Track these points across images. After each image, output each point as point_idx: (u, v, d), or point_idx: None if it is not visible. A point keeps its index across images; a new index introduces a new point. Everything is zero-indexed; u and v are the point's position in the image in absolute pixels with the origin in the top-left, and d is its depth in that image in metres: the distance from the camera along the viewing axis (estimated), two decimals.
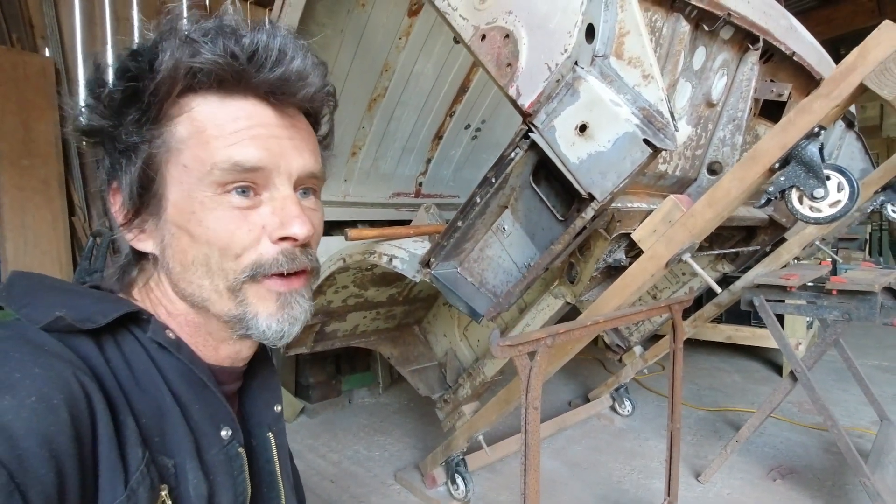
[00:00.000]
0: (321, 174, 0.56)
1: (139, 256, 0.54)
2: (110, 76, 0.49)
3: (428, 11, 1.89)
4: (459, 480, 1.79)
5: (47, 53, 3.46)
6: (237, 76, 0.48)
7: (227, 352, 0.57)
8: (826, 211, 0.90)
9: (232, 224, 0.49)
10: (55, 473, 0.38)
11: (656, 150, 0.69)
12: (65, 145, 3.19)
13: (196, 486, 0.49)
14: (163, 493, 0.47)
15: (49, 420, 0.38)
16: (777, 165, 0.92)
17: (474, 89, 2.35)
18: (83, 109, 0.50)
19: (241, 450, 0.56)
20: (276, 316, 0.52)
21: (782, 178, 0.91)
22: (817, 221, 0.91)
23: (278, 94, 0.50)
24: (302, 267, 0.52)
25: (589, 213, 0.78)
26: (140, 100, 0.48)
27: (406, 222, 2.24)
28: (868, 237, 5.22)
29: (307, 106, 0.55)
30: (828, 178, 0.88)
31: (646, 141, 0.69)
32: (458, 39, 0.91)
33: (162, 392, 0.49)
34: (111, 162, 0.51)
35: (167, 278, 0.53)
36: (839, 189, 0.88)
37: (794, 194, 0.91)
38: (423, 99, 2.25)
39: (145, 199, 0.50)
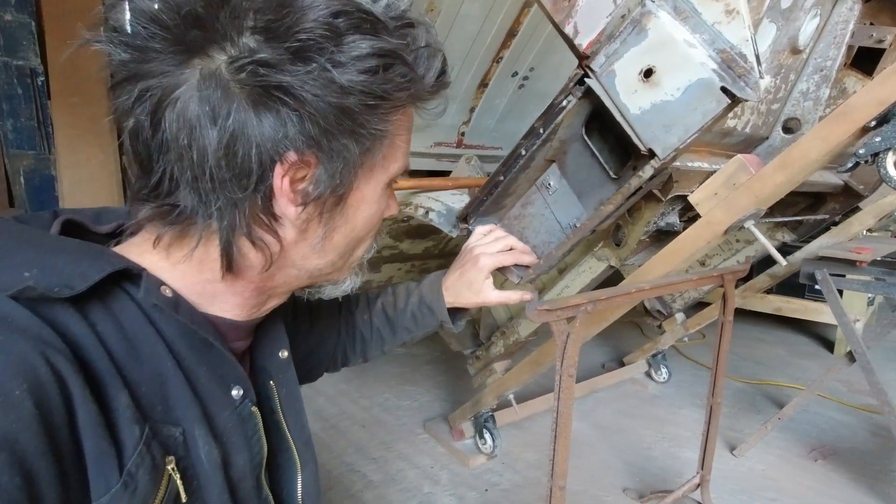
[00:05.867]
0: None
1: (189, 215, 0.45)
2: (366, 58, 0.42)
3: None
4: (487, 436, 1.80)
5: None
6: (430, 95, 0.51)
7: (255, 308, 0.55)
8: None
9: (378, 214, 0.54)
10: (21, 478, 0.33)
11: (735, 101, 0.59)
12: None
13: (208, 453, 0.47)
14: (169, 467, 0.44)
15: (8, 417, 0.33)
16: (872, 124, 0.80)
17: (524, 33, 2.19)
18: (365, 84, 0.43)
19: (254, 409, 0.53)
20: (356, 279, 0.60)
21: (878, 139, 0.79)
22: None
23: (429, 101, 0.52)
24: None
25: (647, 171, 0.70)
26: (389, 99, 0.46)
27: (447, 173, 2.17)
28: None
29: None
30: None
31: (723, 89, 0.59)
32: None
33: (161, 356, 0.45)
34: (313, 134, 0.43)
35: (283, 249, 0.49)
36: None
37: (890, 158, 0.79)
38: (468, 43, 2.12)
39: (345, 180, 0.47)
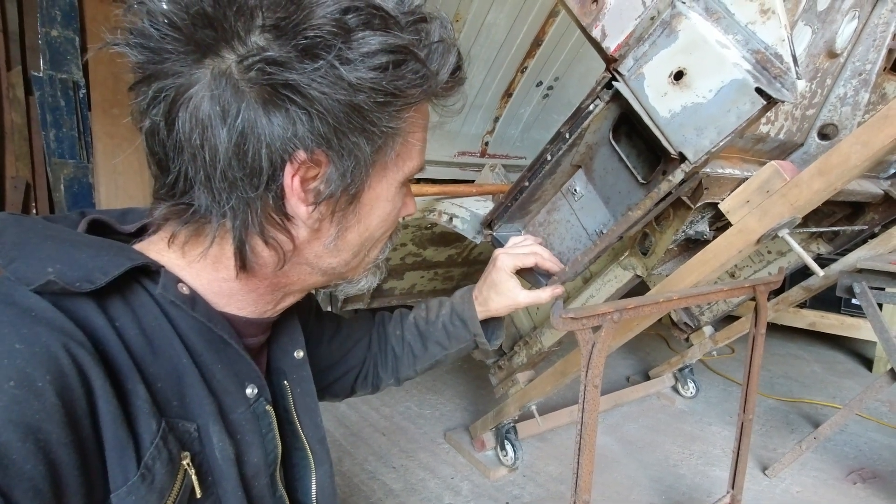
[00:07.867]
0: None
1: (204, 214, 0.46)
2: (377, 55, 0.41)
3: None
4: (509, 447, 1.77)
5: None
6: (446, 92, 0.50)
7: (269, 305, 0.55)
8: None
9: (394, 214, 0.54)
10: (45, 466, 0.34)
11: (770, 102, 0.58)
12: None
13: (222, 449, 0.47)
14: (184, 462, 0.44)
15: (32, 407, 0.33)
16: None
17: (549, 43, 2.19)
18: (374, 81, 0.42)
19: (268, 408, 0.53)
20: (372, 278, 0.60)
21: None
22: None
23: (445, 98, 0.51)
24: None
25: (677, 175, 0.68)
26: (402, 97, 0.46)
27: (470, 182, 2.18)
28: None
29: None
30: None
31: (759, 90, 0.58)
32: None
33: (178, 352, 0.45)
34: (323, 133, 0.42)
35: (296, 249, 0.49)
36: None
37: None
38: (493, 52, 2.13)
39: (357, 179, 0.46)
